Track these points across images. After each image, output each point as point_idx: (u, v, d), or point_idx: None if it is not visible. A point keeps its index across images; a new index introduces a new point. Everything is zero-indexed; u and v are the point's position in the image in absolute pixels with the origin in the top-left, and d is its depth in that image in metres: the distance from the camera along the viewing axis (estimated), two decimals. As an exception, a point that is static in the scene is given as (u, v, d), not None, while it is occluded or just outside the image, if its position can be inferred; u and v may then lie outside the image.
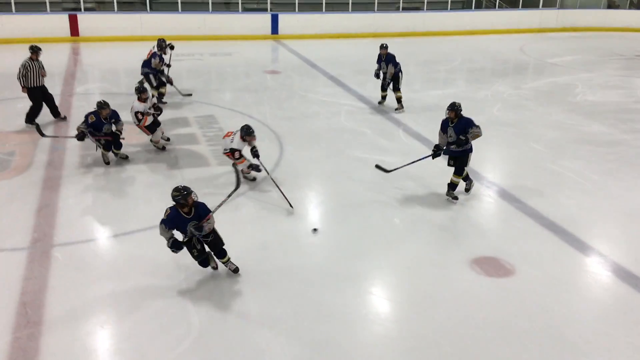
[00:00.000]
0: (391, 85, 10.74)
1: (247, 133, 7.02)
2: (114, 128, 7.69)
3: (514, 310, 5.03)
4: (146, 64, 10.46)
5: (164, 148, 8.53)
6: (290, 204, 6.76)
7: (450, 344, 4.60)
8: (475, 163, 7.42)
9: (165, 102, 10.76)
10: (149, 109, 8.19)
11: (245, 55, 16.06)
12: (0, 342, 4.46)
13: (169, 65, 10.93)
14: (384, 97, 11.14)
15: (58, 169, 7.76)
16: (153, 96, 8.56)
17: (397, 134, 9.68)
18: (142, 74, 10.57)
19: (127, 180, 7.53)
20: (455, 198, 7.01)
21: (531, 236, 6.30)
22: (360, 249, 6.02)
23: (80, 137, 7.59)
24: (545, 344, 4.61)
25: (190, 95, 11.45)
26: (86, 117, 7.59)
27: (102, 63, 14.54)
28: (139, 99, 8.07)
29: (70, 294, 5.11)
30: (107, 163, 7.90)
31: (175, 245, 5.00)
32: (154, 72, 10.44)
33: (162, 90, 10.72)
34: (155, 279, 5.34)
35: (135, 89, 8.14)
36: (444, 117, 6.89)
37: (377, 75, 10.86)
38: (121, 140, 7.92)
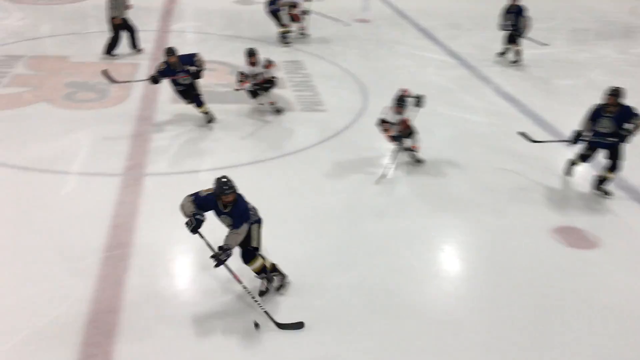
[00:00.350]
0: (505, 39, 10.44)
1: (398, 104, 6.36)
2: (193, 70, 7.13)
3: (594, 284, 4.88)
4: (272, 1, 10.70)
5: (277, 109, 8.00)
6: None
7: (521, 309, 4.55)
8: (564, 129, 7.04)
9: (289, 43, 11.05)
10: (265, 79, 7.60)
11: (336, 2, 15.81)
12: (93, 259, 4.86)
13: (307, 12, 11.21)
14: (506, 50, 10.66)
15: (153, 100, 8.08)
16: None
17: (485, 92, 9.34)
18: (270, 11, 10.81)
19: (218, 117, 7.63)
20: (608, 194, 6.17)
21: (621, 209, 6.01)
22: (437, 205, 5.98)
23: (154, 80, 7.17)
24: (623, 321, 4.46)
25: (368, 21, 11.59)
26: (158, 65, 7.28)
27: (197, 1, 14.79)
28: (247, 62, 7.50)
29: (158, 220, 5.44)
30: (210, 121, 7.45)
31: (194, 224, 4.12)
32: (279, 10, 10.72)
33: (284, 29, 10.97)
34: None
35: (245, 51, 7.57)
36: (598, 104, 6.03)
37: (503, 27, 10.37)
38: (200, 78, 7.27)
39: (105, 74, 7.48)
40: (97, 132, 7.13)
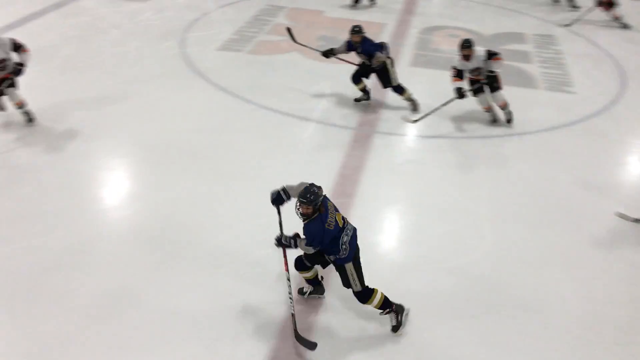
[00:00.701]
0: None
1: None
2: (374, 61, 6.59)
3: None
4: None
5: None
6: None
7: None
8: None
9: (578, 7, 10.68)
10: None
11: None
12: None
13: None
14: None
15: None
16: None
17: None
18: None
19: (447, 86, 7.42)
20: None
21: None
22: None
23: (325, 55, 6.99)
24: None
25: None
26: None
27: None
28: (460, 56, 6.38)
29: (380, 178, 5.64)
30: (415, 109, 6.89)
31: (274, 197, 3.82)
32: None
33: None
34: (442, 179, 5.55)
35: (459, 42, 6.44)
36: None
37: None
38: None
39: (289, 31, 7.59)
40: (338, 86, 7.49)
